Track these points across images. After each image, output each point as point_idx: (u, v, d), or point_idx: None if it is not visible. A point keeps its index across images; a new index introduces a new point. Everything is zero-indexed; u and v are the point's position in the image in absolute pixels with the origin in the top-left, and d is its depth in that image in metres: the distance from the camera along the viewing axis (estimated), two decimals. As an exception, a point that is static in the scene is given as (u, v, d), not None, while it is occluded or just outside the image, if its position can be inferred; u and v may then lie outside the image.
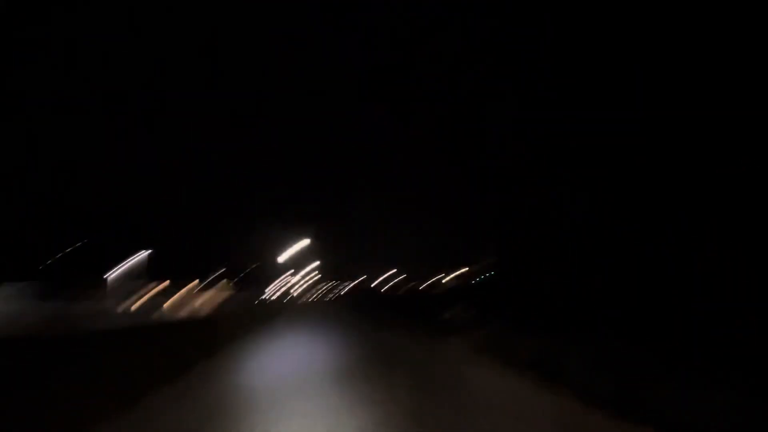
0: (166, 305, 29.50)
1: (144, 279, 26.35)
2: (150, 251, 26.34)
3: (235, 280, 39.63)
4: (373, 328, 12.91)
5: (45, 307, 14.86)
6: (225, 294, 37.57)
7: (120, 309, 22.96)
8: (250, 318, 20.89)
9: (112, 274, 23.43)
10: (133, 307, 24.92)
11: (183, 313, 30.45)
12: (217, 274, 36.36)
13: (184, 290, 31.65)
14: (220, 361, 7.79)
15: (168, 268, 28.45)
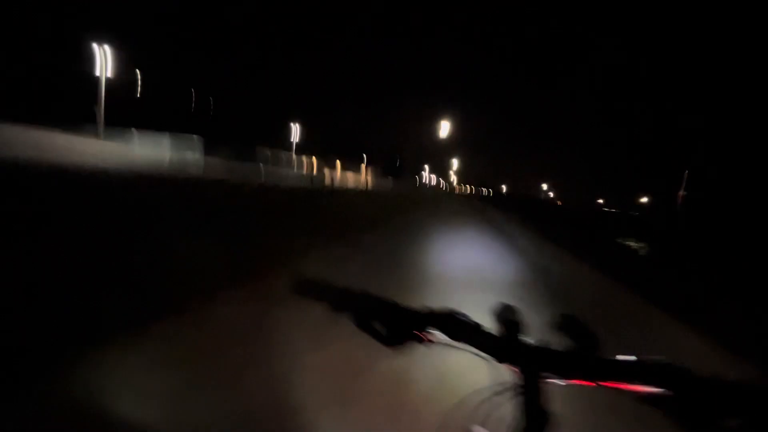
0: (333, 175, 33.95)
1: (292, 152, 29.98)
2: (297, 125, 30.57)
3: (378, 166, 45.98)
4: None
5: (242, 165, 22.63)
6: (373, 177, 42.24)
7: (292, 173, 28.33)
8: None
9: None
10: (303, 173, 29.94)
11: (350, 184, 34.70)
12: (359, 158, 42.34)
13: (335, 167, 35.63)
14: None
15: (311, 145, 33.20)
